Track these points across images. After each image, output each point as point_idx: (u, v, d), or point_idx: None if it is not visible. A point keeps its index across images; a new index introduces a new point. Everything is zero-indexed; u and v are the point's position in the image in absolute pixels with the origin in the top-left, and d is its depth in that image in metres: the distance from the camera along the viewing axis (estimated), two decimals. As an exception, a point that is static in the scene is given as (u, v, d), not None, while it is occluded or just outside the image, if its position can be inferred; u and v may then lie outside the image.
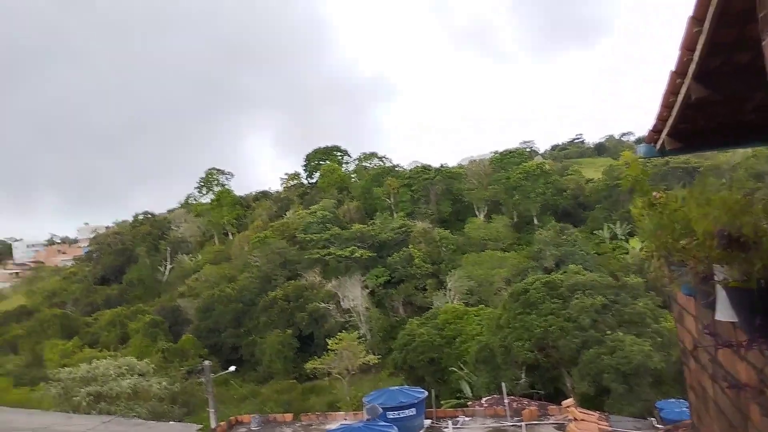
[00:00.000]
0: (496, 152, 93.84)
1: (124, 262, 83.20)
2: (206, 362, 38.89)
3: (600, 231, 69.13)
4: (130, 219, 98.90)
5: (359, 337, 50.97)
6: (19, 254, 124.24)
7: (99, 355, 49.21)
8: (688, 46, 2.85)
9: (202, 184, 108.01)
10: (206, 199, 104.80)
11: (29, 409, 35.70)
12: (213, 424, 35.11)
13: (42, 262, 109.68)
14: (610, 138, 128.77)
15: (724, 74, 2.96)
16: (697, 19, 2.62)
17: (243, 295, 63.17)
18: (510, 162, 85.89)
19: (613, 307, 34.17)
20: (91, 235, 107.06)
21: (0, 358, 53.88)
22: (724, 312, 2.83)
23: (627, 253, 57.65)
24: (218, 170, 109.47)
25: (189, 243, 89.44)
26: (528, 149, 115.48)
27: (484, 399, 29.41)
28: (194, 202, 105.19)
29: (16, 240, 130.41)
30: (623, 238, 64.11)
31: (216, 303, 61.65)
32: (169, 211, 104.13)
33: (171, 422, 36.59)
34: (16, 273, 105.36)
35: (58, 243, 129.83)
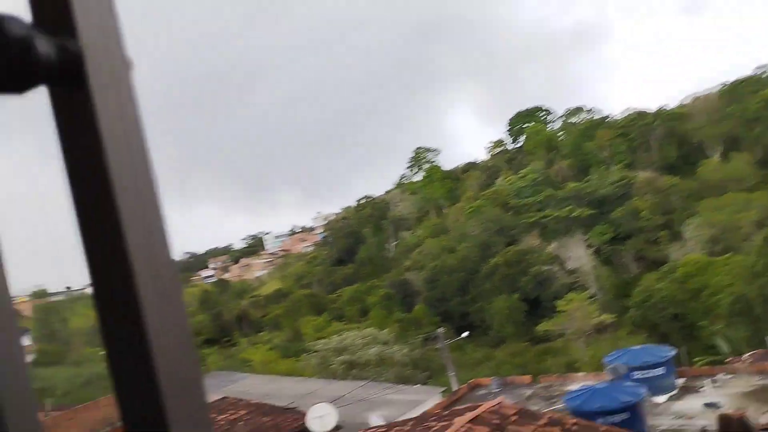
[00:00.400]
0: (724, 84, 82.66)
1: (354, 243, 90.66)
2: (440, 329, 41.11)
3: None
4: (354, 204, 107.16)
5: (589, 297, 49.37)
6: (269, 245, 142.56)
7: (345, 327, 54.32)
8: None
9: (412, 163, 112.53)
10: (418, 176, 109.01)
11: (296, 376, 41.21)
12: (454, 387, 37.12)
13: (288, 250, 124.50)
14: None
15: None
16: None
17: (465, 264, 64.91)
18: (745, 91, 75.05)
19: None
20: (324, 222, 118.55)
21: (268, 335, 62.85)
22: None
23: None
24: (425, 148, 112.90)
25: (408, 220, 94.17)
26: (765, 74, 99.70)
27: (747, 354, 26.74)
28: (407, 181, 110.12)
29: (266, 233, 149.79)
30: None
31: (440, 273, 64.30)
32: (387, 192, 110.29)
33: (416, 385, 39.46)
34: (270, 261, 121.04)
35: (299, 232, 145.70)
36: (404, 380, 40.84)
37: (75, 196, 0.50)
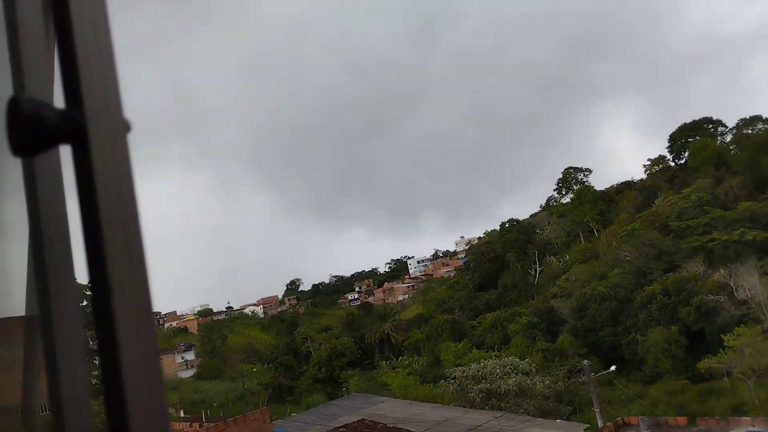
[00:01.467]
0: None
1: (498, 269, 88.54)
2: (585, 361, 38.46)
3: None
4: (498, 227, 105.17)
5: (764, 332, 43.33)
6: (412, 269, 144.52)
7: (485, 355, 53.09)
8: None
9: (561, 184, 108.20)
10: (566, 198, 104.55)
11: (433, 403, 40.82)
12: (600, 424, 34.34)
13: (431, 275, 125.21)
14: None
15: None
16: None
17: (617, 292, 60.55)
18: None
19: None
20: (467, 247, 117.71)
21: (408, 359, 63.04)
22: None
23: None
24: (575, 168, 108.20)
25: (555, 244, 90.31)
26: None
27: None
28: (555, 204, 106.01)
29: (409, 257, 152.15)
30: None
31: (589, 302, 60.49)
32: (532, 216, 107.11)
33: (558, 420, 37.18)
34: (412, 285, 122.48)
35: (441, 257, 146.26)
36: (545, 413, 39.13)
37: (83, 232, 0.63)
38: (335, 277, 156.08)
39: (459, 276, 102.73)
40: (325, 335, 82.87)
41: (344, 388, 54.51)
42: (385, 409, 36.56)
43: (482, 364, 45.37)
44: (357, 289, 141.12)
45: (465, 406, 39.62)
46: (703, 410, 37.12)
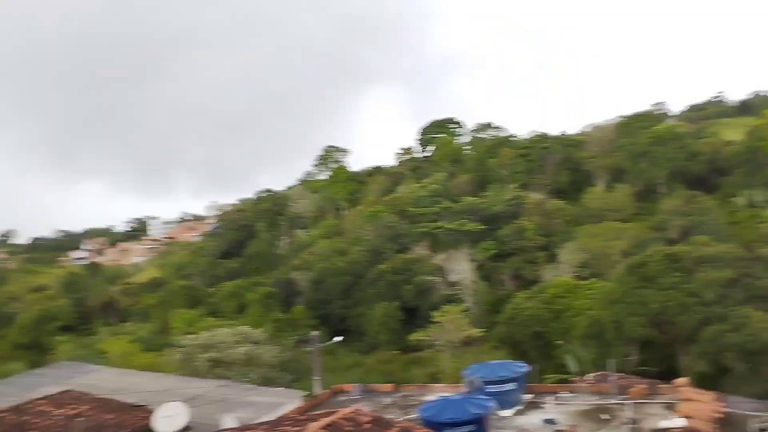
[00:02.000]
0: (623, 116, 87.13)
1: (246, 237, 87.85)
2: (314, 332, 39.79)
3: (736, 198, 62.02)
4: (253, 196, 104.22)
5: (464, 311, 49.82)
6: (154, 231, 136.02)
7: (219, 323, 51.96)
8: None
9: (320, 161, 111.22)
10: (323, 175, 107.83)
11: (155, 372, 38.57)
12: (318, 392, 35.85)
13: (173, 238, 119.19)
14: (757, 95, 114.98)
15: None
16: None
17: (353, 268, 64.25)
18: (638, 126, 79.36)
19: (743, 281, 30.29)
20: (218, 213, 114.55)
21: (134, 326, 59.12)
22: None
23: (765, 222, 51.24)
24: (335, 147, 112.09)
25: (305, 218, 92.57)
26: (659, 111, 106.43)
27: (590, 375, 27.43)
28: (311, 179, 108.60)
29: (153, 218, 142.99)
30: (764, 204, 57.05)
31: (327, 275, 63.23)
32: (289, 188, 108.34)
33: (278, 388, 37.86)
34: (151, 248, 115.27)
35: (189, 220, 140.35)
36: (269, 382, 39.54)
37: None
38: (62, 232, 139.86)
39: (205, 241, 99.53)
40: (37, 296, 73.46)
41: (52, 356, 48.77)
42: (98, 378, 33.53)
43: (213, 332, 44.34)
44: (86, 247, 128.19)
45: (189, 375, 38.28)
46: (407, 378, 41.18)
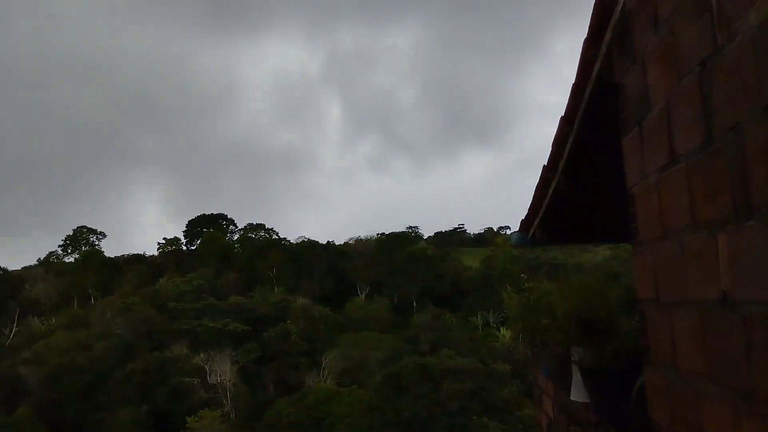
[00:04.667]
0: (382, 234, 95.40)
1: (-41, 322, 73.62)
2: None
3: (474, 318, 71.08)
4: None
5: (223, 415, 47.62)
6: None
7: None
8: (558, 143, 3.08)
9: (68, 242, 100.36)
10: (71, 258, 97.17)
11: None
12: None
13: None
14: (489, 230, 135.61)
15: (590, 172, 3.21)
16: (567, 119, 2.86)
17: (97, 366, 57.49)
18: (395, 245, 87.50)
19: (481, 393, 34.57)
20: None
21: None
22: (579, 393, 2.94)
23: (497, 341, 59.43)
24: (89, 229, 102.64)
25: (43, 305, 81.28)
26: (413, 233, 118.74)
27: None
28: (56, 260, 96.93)
29: None
30: (495, 325, 66.20)
31: (64, 373, 55.48)
32: (25, 269, 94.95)
33: None
34: None
35: None
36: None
37: None
38: None
39: None
40: None
41: None
42: None
43: None
44: None
45: None
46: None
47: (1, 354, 67.52)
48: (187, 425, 43.95)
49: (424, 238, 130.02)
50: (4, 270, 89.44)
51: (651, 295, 1.93)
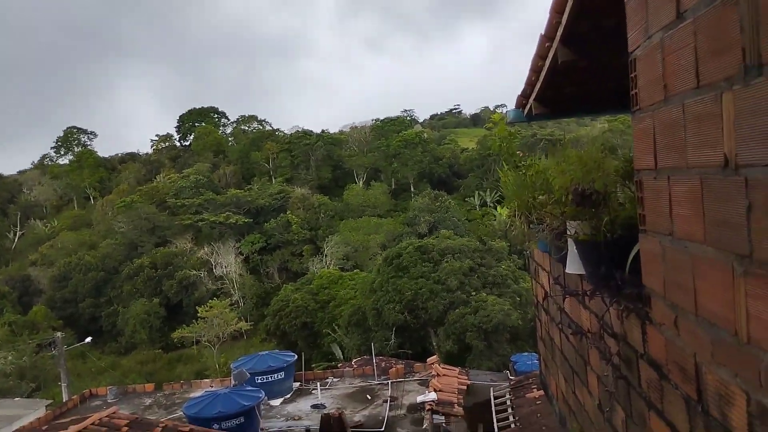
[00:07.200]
0: (377, 120, 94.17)
1: (-35, 228, 74.63)
2: (58, 334, 36.07)
3: (471, 198, 71.96)
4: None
5: (231, 305, 49.62)
6: None
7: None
8: (557, 9, 2.89)
9: (60, 143, 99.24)
10: (65, 159, 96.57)
11: None
12: (65, 398, 32.73)
13: None
14: (486, 109, 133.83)
15: (591, 38, 3.00)
16: None
17: (105, 263, 59.13)
18: (390, 130, 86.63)
19: (478, 270, 35.72)
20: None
21: None
22: (574, 265, 2.97)
23: (494, 219, 60.50)
24: (79, 129, 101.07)
25: (43, 207, 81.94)
26: (408, 118, 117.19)
27: (354, 360, 29.78)
28: (51, 163, 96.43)
29: None
30: (492, 205, 67.08)
31: (73, 271, 57.13)
32: (21, 173, 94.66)
33: (17, 398, 33.70)
34: None
35: None
36: (4, 393, 35.19)
37: None
38: None
39: None
40: None
41: None
42: None
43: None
44: None
45: None
46: (171, 377, 39.78)
47: (9, 257, 69.12)
48: (199, 315, 45.84)
49: (420, 121, 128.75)
50: (0, 175, 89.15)
51: (650, 163, 1.89)
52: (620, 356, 2.55)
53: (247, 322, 47.18)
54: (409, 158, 77.84)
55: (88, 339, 38.66)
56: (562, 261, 3.28)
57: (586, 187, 2.55)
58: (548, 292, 4.65)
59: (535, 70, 3.81)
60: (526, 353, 21.53)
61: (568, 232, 2.88)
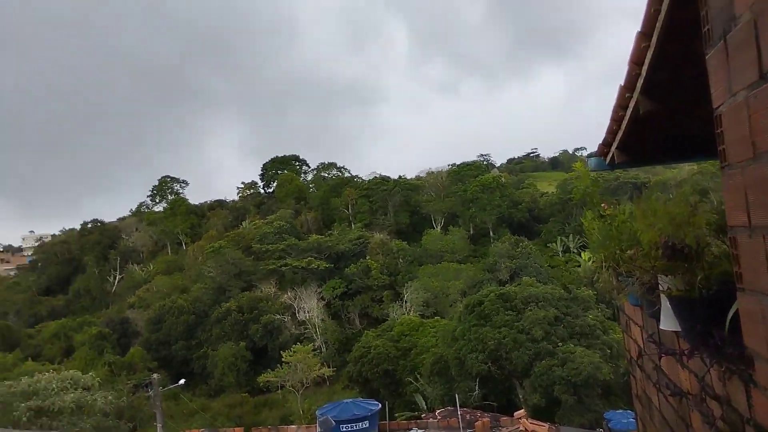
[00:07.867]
0: (453, 164, 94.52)
1: (71, 272, 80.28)
2: (154, 375, 37.68)
3: (553, 244, 70.09)
4: (78, 227, 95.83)
5: (314, 350, 50.16)
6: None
7: (41, 368, 47.07)
8: (636, 60, 2.90)
9: (155, 192, 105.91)
10: (159, 207, 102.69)
11: (-38, 426, 33.84)
12: (160, 439, 33.85)
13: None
14: (564, 153, 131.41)
15: (671, 88, 3.01)
16: (644, 34, 2.68)
17: (196, 306, 61.65)
18: (467, 174, 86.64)
19: (564, 319, 34.44)
20: (36, 244, 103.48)
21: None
22: (668, 321, 2.88)
23: (579, 266, 58.50)
24: (172, 178, 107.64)
25: (140, 253, 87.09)
26: (485, 162, 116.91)
27: (438, 411, 29.22)
28: (146, 211, 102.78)
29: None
30: (575, 251, 65.02)
31: (167, 314, 59.92)
32: (120, 220, 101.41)
33: (115, 438, 35.21)
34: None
35: (1, 251, 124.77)
36: (104, 431, 36.67)
37: None
38: None
39: (21, 276, 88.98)
40: None
41: None
42: None
43: (36, 378, 40.12)
44: None
45: (8, 427, 34.41)
46: (257, 421, 40.46)
47: (109, 300, 73.59)
48: (283, 359, 46.57)
49: (497, 165, 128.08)
50: (102, 222, 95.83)
51: (743, 221, 1.89)
52: (725, 420, 2.42)
53: (329, 367, 47.43)
54: (487, 203, 77.27)
55: (182, 381, 40.14)
56: (655, 316, 3.18)
57: (676, 242, 2.45)
58: (642, 348, 4.49)
59: (616, 120, 3.84)
60: (620, 410, 20.40)
61: (660, 287, 2.77)
